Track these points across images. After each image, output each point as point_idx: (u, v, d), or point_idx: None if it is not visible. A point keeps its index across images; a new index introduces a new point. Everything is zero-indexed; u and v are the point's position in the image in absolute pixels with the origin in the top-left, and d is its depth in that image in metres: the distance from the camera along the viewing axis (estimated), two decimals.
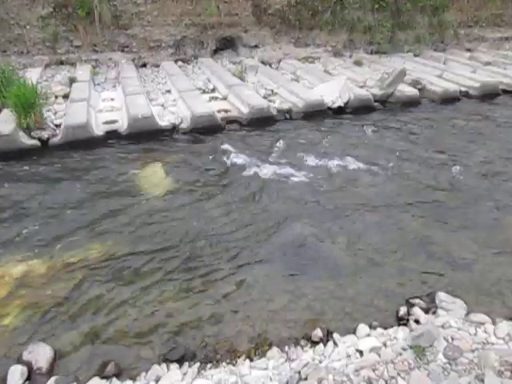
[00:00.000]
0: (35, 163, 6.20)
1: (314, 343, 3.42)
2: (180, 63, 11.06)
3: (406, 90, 9.21)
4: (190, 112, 7.53)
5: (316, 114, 8.24)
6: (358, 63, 11.56)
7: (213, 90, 9.34)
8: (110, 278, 4.09)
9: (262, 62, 11.30)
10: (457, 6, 13.46)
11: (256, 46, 11.93)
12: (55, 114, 7.41)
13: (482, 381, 2.71)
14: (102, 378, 3.09)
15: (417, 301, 3.83)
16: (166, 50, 11.20)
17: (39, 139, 6.61)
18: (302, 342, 3.44)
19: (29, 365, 3.16)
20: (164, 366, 3.21)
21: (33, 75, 8.70)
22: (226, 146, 6.85)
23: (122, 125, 7.26)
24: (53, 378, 3.06)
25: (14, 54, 9.94)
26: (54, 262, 4.27)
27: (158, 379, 3.07)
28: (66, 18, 10.11)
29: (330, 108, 8.48)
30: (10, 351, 3.32)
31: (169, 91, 9.03)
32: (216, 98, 8.87)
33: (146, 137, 7.03)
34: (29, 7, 9.82)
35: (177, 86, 8.89)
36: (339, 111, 8.50)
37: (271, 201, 5.47)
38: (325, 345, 3.37)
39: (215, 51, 11.77)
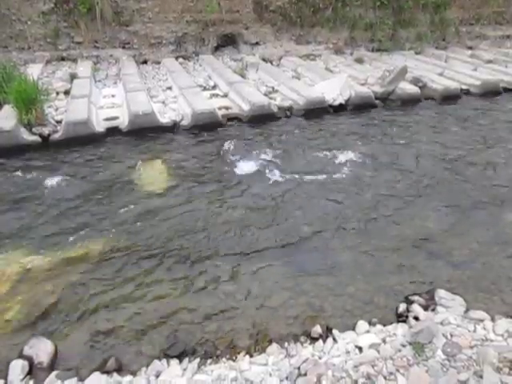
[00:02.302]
0: (36, 159, 6.21)
1: (314, 339, 3.43)
2: (181, 60, 11.06)
3: (407, 87, 9.20)
4: (191, 109, 7.53)
5: (317, 111, 8.23)
6: (359, 61, 11.55)
7: (213, 87, 9.33)
8: (110, 274, 4.10)
9: (263, 60, 11.30)
10: (458, 4, 13.46)
11: (257, 44, 11.93)
12: (56, 110, 7.42)
13: (481, 377, 2.72)
14: (103, 372, 3.10)
15: (416, 298, 3.85)
16: (167, 47, 11.20)
17: (40, 135, 6.62)
18: (302, 339, 3.45)
19: (30, 359, 3.18)
20: (164, 361, 3.22)
21: (34, 71, 8.71)
22: (226, 143, 6.86)
23: (123, 121, 7.26)
24: (53, 373, 3.08)
25: (15, 49, 9.95)
26: (55, 258, 4.29)
27: (158, 374, 3.09)
28: (67, 14, 10.12)
29: (330, 105, 8.48)
30: (11, 346, 3.34)
31: (169, 88, 9.03)
32: (217, 95, 8.87)
33: (147, 133, 7.04)
34: (30, 3, 9.83)
35: (178, 82, 8.89)
36: (340, 108, 8.50)
37: (271, 197, 5.47)
38: (324, 341, 3.38)
39: (216, 48, 11.77)
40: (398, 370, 2.89)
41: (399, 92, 9.10)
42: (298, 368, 2.99)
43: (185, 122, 7.48)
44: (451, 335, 3.20)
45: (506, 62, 11.75)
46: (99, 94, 8.52)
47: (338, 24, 12.36)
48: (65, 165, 6.12)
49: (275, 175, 5.99)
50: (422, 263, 4.34)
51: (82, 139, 6.64)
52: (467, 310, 3.63)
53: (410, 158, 6.61)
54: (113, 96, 8.43)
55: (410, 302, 3.80)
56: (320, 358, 3.17)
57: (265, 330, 3.54)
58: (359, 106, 8.61)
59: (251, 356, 3.28)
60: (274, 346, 3.36)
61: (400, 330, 3.38)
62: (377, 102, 8.88)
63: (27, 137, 6.52)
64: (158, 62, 10.83)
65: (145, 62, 10.87)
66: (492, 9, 13.93)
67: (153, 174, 6.00)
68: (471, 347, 3.07)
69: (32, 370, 3.14)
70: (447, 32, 13.46)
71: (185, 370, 3.14)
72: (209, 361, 3.25)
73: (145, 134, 7.02)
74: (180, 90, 8.43)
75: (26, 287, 3.92)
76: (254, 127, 7.61)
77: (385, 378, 2.84)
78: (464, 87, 9.69)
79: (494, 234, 4.83)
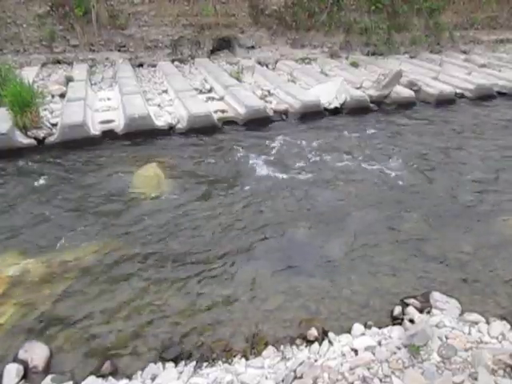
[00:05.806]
0: (31, 162, 6.19)
1: (310, 342, 3.44)
2: (177, 63, 11.07)
3: (402, 91, 9.26)
4: (187, 112, 7.54)
5: (312, 114, 8.26)
6: (355, 64, 11.61)
7: (209, 91, 9.33)
8: (106, 278, 4.09)
9: (259, 63, 11.33)
10: (452, 9, 13.57)
11: (253, 47, 11.96)
12: (52, 113, 7.40)
13: (476, 379, 2.74)
14: (98, 376, 3.10)
15: (411, 300, 3.87)
16: (163, 50, 11.21)
17: (35, 138, 6.60)
18: (298, 341, 3.46)
19: (25, 363, 3.17)
20: (160, 364, 3.22)
21: (29, 74, 8.68)
22: (222, 146, 6.87)
23: (119, 124, 7.25)
24: (49, 377, 3.07)
25: (11, 52, 9.92)
26: (50, 262, 4.27)
27: (154, 378, 3.08)
28: (62, 17, 10.11)
29: (326, 109, 8.51)
30: (6, 350, 3.32)
31: (165, 91, 9.03)
32: (213, 99, 8.87)
33: (143, 137, 7.04)
34: (26, 6, 9.80)
35: (173, 86, 8.89)
36: (335, 112, 8.54)
37: (267, 201, 5.48)
38: (320, 344, 3.39)
39: (212, 52, 11.79)
40: (393, 373, 2.90)
41: (394, 95, 9.15)
42: (294, 371, 3.00)
43: (180, 125, 7.48)
44: (446, 338, 3.22)
45: (499, 66, 11.85)
46: (95, 96, 8.50)
47: (334, 28, 12.42)
48: (60, 168, 6.10)
49: (270, 177, 6.01)
50: (416, 266, 4.36)
51: (78, 142, 6.62)
52: (462, 313, 3.65)
53: (405, 161, 6.67)
54: (109, 99, 8.41)
55: (405, 305, 3.82)
56: (316, 360, 3.18)
57: (261, 332, 3.54)
58: (354, 110, 8.64)
59: (247, 359, 3.28)
60: (270, 348, 3.37)
61: (395, 332, 3.39)
62: (372, 105, 8.92)
63: (22, 140, 6.49)
64: (154, 65, 10.83)
65: (141, 65, 10.87)
66: (486, 13, 14.07)
67: (148, 177, 5.99)
68: (466, 349, 3.08)
69: (27, 373, 3.13)
70: (442, 36, 13.57)
71: (181, 373, 3.14)
72: (205, 364, 3.25)
73: (140, 137, 7.02)
74: (176, 94, 8.43)
75: (20, 291, 3.91)
76: (250, 130, 7.62)
77: (380, 380, 2.85)
78: (458, 91, 9.78)
79: (489, 237, 4.86)
